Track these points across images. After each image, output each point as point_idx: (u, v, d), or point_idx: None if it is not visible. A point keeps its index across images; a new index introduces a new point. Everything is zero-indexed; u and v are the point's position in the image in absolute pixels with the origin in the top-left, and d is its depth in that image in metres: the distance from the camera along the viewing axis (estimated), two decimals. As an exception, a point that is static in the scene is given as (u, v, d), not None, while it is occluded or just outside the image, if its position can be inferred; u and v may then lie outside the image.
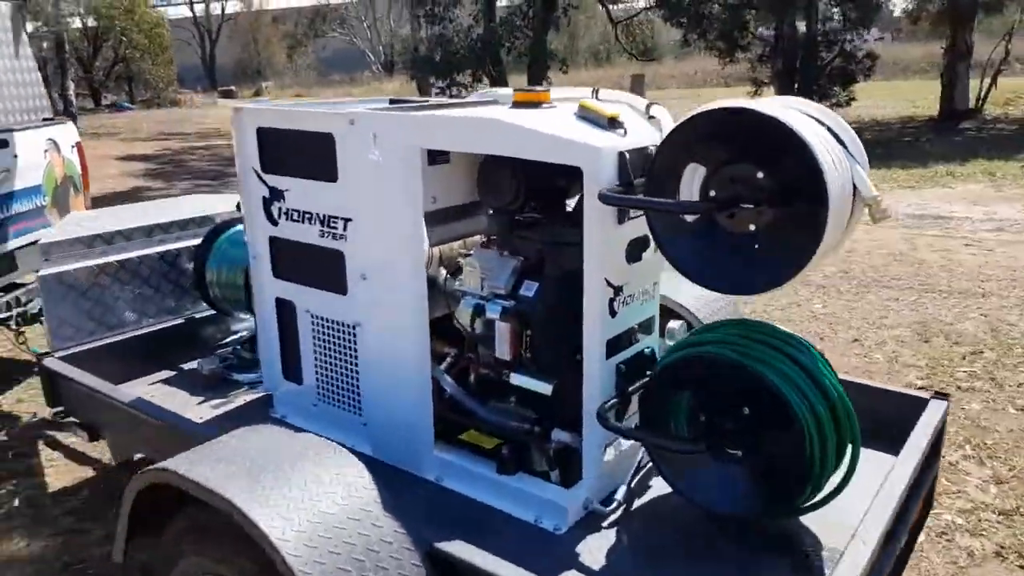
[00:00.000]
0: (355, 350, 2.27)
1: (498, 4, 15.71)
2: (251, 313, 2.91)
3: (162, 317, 3.06)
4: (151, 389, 2.76)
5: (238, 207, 3.07)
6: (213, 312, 3.13)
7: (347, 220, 2.18)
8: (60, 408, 2.74)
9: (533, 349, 1.92)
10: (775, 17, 13.56)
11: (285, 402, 2.55)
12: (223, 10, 41.44)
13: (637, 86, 25.83)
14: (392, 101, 2.55)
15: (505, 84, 15.75)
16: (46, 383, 2.71)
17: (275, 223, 2.38)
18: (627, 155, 1.78)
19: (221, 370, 2.84)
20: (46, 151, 4.35)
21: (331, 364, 2.35)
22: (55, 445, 3.75)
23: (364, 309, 2.20)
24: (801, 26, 13.88)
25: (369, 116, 2.03)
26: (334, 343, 2.32)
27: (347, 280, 2.23)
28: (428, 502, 2.04)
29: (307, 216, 2.28)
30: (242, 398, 2.71)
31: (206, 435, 2.35)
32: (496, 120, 1.82)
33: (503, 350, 1.91)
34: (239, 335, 3.14)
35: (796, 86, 14.02)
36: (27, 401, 4.25)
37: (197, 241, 3.13)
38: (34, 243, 4.26)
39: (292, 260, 2.37)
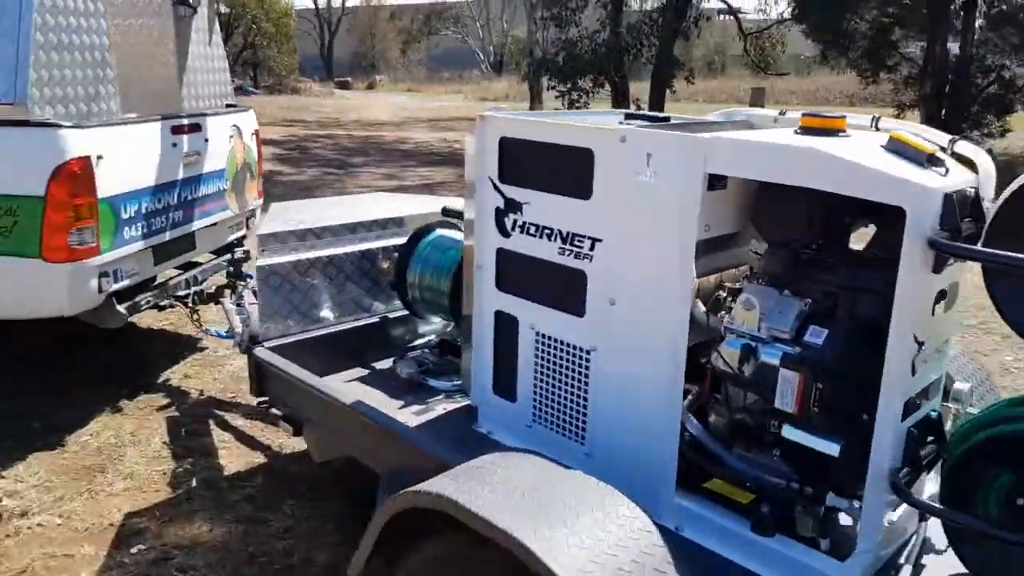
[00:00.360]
0: (585, 375, 2.16)
1: (624, 10, 15.48)
2: (452, 319, 2.86)
3: (357, 314, 3.05)
4: (350, 387, 2.74)
5: (444, 211, 3.03)
6: (402, 313, 3.11)
7: (596, 240, 2.06)
8: (264, 399, 2.77)
9: (818, 403, 1.75)
10: (926, 37, 12.72)
11: (492, 417, 2.47)
12: (343, 3, 42.84)
13: (757, 100, 25.11)
14: (628, 116, 2.43)
15: (627, 92, 15.54)
16: (253, 372, 2.73)
17: (506, 235, 2.30)
18: (953, 197, 1.59)
19: (418, 374, 2.80)
20: (231, 137, 4.47)
21: (553, 386, 2.25)
22: (225, 426, 3.83)
23: (605, 334, 2.08)
24: (954, 47, 12.98)
25: (645, 135, 1.91)
26: (560, 365, 2.22)
27: (587, 302, 2.12)
28: (672, 554, 1.90)
29: (546, 231, 2.19)
30: (441, 406, 2.65)
31: (418, 443, 2.31)
32: (812, 149, 1.66)
33: (787, 401, 1.75)
34: (427, 339, 3.10)
35: (944, 112, 13.13)
36: (193, 377, 4.38)
37: (394, 241, 3.11)
38: (213, 225, 4.41)
39: (521, 274, 2.28)
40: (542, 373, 2.28)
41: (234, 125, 4.52)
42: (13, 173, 3.23)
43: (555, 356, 2.23)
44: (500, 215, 2.31)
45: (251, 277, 4.20)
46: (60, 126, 3.26)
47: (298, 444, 3.65)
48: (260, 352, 2.70)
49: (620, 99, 15.27)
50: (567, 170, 2.09)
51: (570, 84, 14.88)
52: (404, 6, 41.05)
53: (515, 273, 2.30)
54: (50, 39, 3.28)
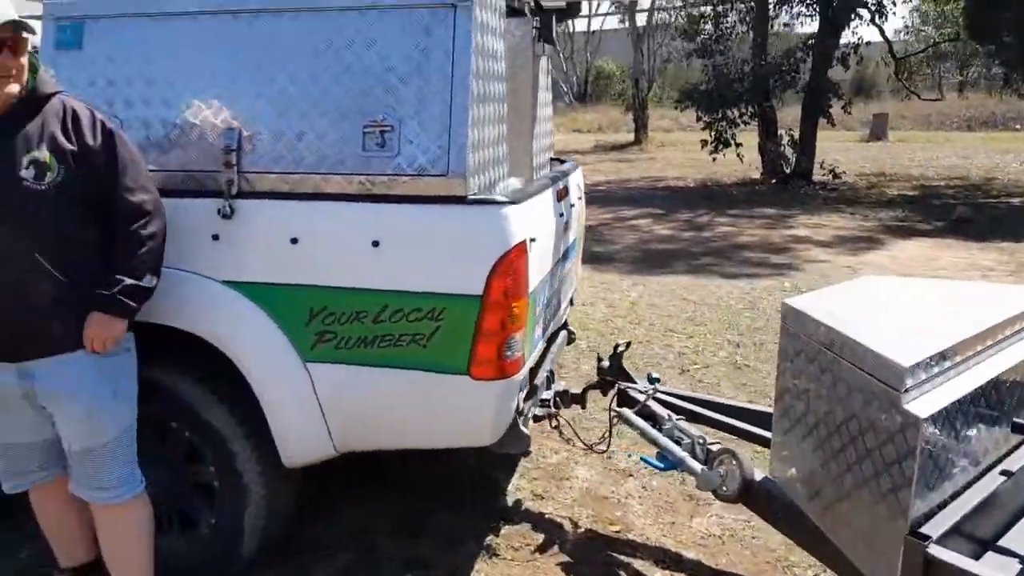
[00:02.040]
0: None
1: (771, 38, 14.59)
2: None
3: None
4: None
5: None
6: None
7: None
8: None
9: None
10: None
11: None
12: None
13: (879, 127, 23.74)
14: None
15: (775, 119, 14.54)
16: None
17: None
18: None
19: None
20: (579, 197, 3.69)
21: None
22: (640, 577, 2.96)
23: None
24: None
25: None
26: None
27: None
28: None
29: None
30: None
31: None
32: None
33: None
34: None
35: None
36: (545, 497, 3.53)
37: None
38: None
39: None
40: None
41: (578, 184, 3.74)
42: (443, 266, 2.43)
43: None
44: None
45: (658, 380, 3.37)
46: (499, 203, 2.47)
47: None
48: (937, 552, 1.79)
49: (769, 129, 14.29)
50: None
51: (718, 114, 13.99)
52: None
53: None
54: (481, 89, 2.52)
